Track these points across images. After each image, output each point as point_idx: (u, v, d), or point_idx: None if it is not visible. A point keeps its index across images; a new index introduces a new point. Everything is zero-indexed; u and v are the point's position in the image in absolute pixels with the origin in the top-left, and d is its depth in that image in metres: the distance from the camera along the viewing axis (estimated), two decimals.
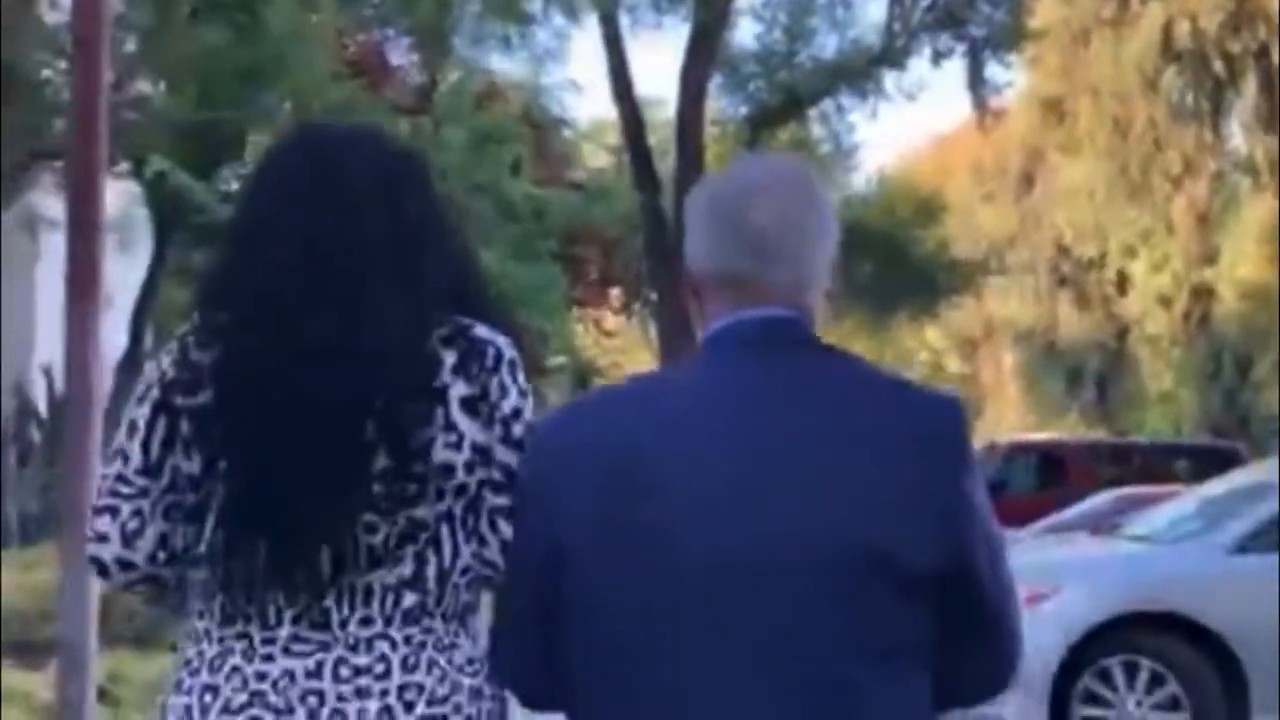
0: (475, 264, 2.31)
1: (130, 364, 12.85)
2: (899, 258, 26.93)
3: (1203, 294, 41.96)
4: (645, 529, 1.83)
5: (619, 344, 28.66)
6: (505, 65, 16.62)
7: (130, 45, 9.88)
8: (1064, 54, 42.28)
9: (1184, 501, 10.03)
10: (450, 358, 2.05)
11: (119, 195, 11.77)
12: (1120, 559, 8.99)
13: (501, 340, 2.11)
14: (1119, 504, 14.44)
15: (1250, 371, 40.63)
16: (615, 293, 23.81)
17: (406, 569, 2.03)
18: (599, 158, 26.68)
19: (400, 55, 10.57)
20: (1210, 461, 19.36)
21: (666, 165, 24.14)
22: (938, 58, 24.76)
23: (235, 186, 8.48)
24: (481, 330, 2.10)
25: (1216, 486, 10.08)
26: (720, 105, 24.60)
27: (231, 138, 8.58)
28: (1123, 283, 44.72)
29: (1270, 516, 8.26)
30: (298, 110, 9.12)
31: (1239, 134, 42.98)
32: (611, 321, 25.89)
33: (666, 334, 24.43)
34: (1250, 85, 41.58)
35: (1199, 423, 40.03)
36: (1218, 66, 41.21)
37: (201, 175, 8.79)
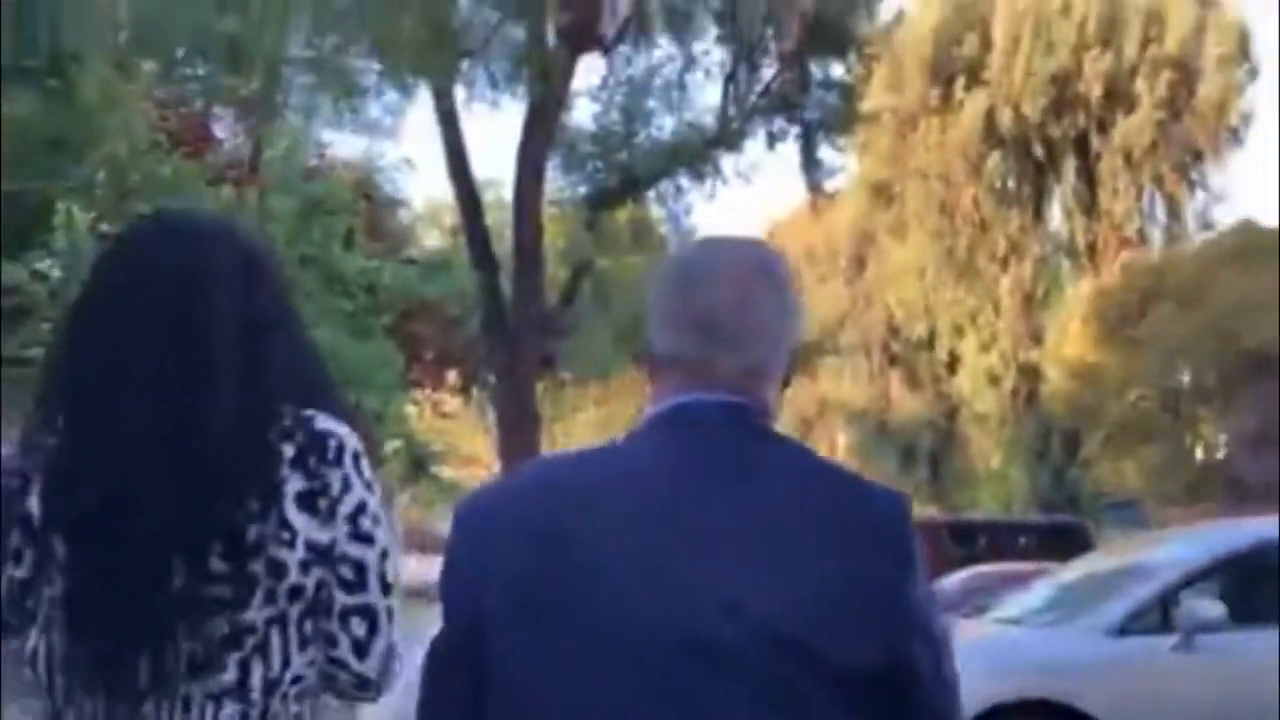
0: (320, 355, 2.26)
1: None
2: None
3: (1030, 373, 42.84)
4: (566, 602, 1.77)
5: (456, 427, 28.01)
6: (338, 140, 16.08)
7: None
8: (892, 139, 43.15)
9: (1052, 581, 9.73)
10: (289, 450, 1.98)
11: None
12: (994, 644, 8.59)
13: (343, 431, 2.03)
14: (975, 584, 14.21)
15: (1078, 449, 41.42)
16: (452, 374, 23.19)
17: (229, 676, 1.95)
18: (434, 237, 26.20)
19: (225, 127, 9.99)
20: (1056, 539, 19.39)
21: (504, 246, 23.76)
22: (772, 140, 24.86)
23: (48, 264, 7.82)
24: (323, 421, 2.02)
25: (1084, 566, 9.84)
26: (558, 185, 24.33)
27: (41, 211, 7.92)
28: (952, 362, 45.45)
29: (1150, 597, 8.01)
30: (113, 181, 8.50)
31: (1059, 217, 44.22)
32: (449, 404, 25.22)
33: (505, 417, 23.93)
34: (1070, 170, 42.84)
35: (1028, 500, 40.60)
36: (1039, 152, 42.42)
37: (10, 252, 8.09)
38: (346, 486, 1.99)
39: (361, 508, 2.00)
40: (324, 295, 9.71)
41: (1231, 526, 10.02)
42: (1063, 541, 19.21)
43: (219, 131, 10.30)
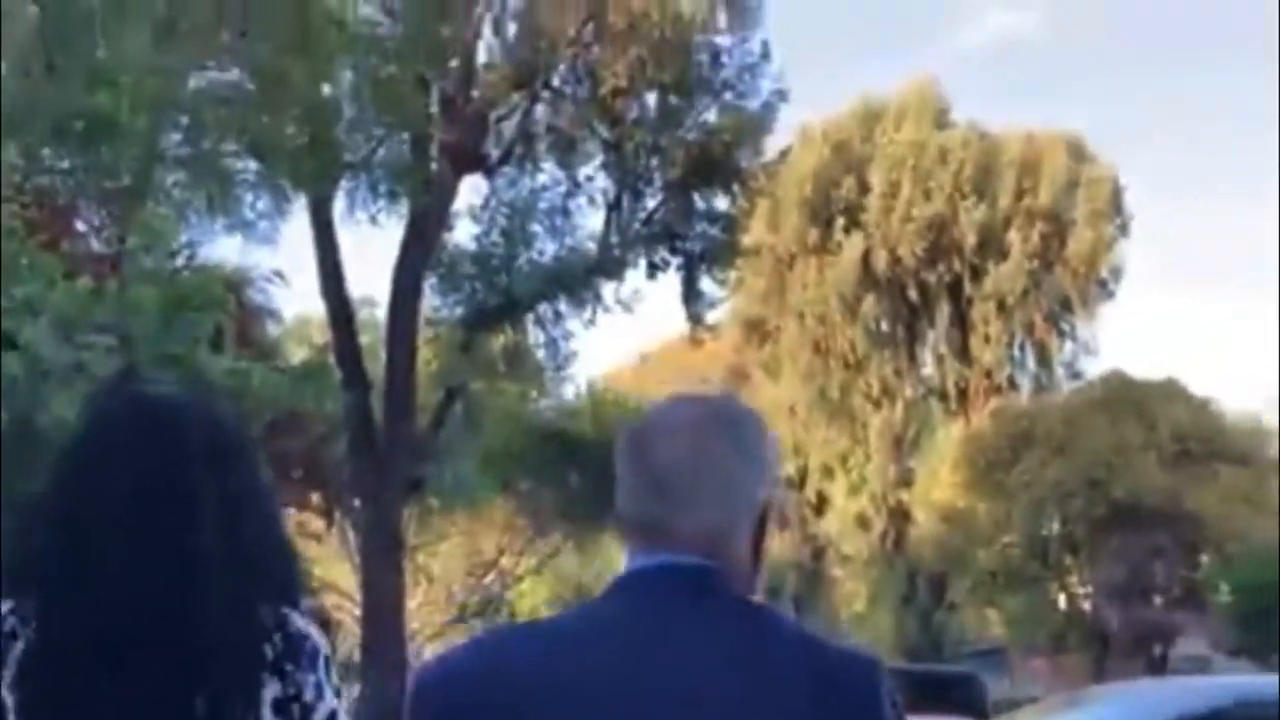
0: (286, 529, 2.24)
1: None
2: (609, 470, 26.22)
3: (899, 516, 42.90)
4: None
5: (318, 551, 26.98)
6: (208, 240, 15.38)
7: None
8: (769, 277, 43.41)
9: None
10: (268, 653, 1.97)
11: None
12: None
13: (315, 633, 2.03)
14: None
15: (945, 594, 41.44)
16: (317, 494, 22.29)
17: None
18: (303, 353, 25.42)
19: (86, 219, 9.28)
20: (944, 687, 18.91)
21: (377, 367, 23.10)
22: (654, 270, 24.55)
23: None
24: (297, 622, 2.02)
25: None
26: (434, 305, 23.79)
27: None
28: (821, 503, 45.39)
29: None
30: None
31: (931, 361, 44.65)
32: (316, 526, 24.25)
33: (369, 544, 23.07)
34: (943, 315, 43.37)
35: (893, 646, 40.36)
36: (914, 296, 42.91)
37: None
38: (319, 694, 1.99)
39: (332, 716, 2.01)
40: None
41: (1173, 688, 9.54)
42: (953, 690, 18.76)
43: (80, 224, 9.61)
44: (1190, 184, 64.17)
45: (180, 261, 9.42)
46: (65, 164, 9.11)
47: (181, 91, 10.94)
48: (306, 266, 21.89)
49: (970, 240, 41.51)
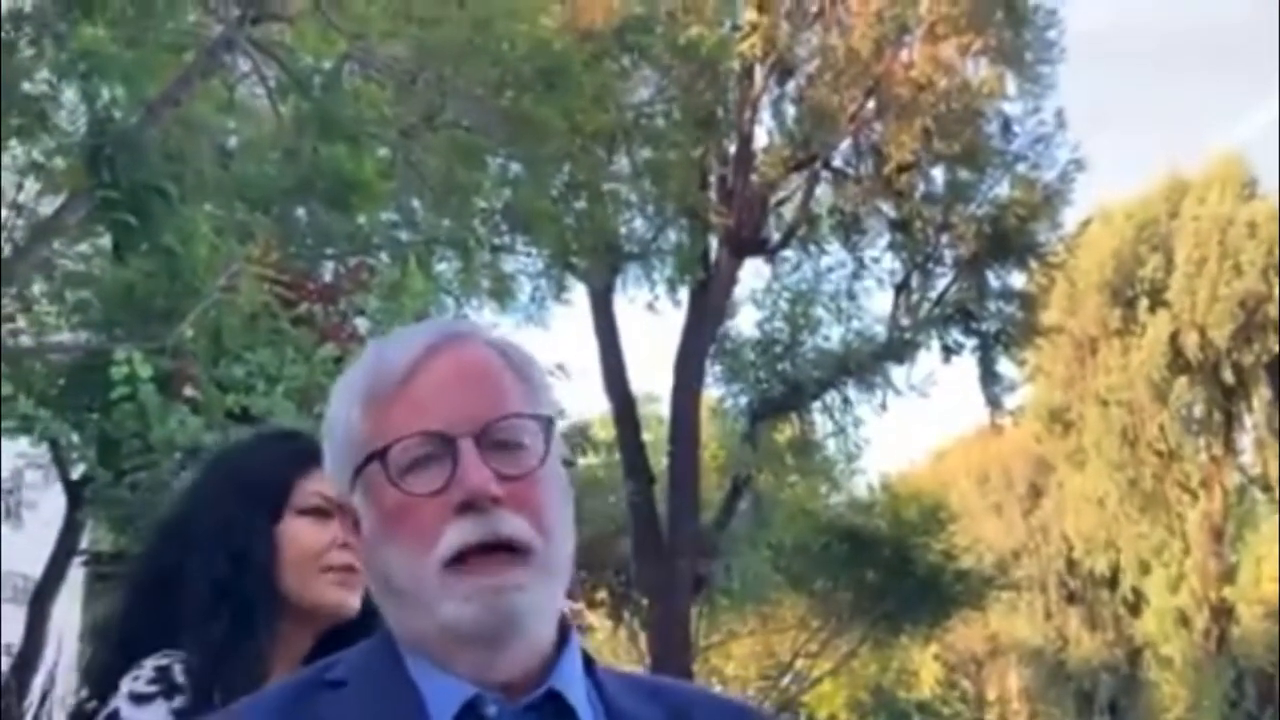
0: None
1: (23, 663, 10.87)
2: (905, 568, 25.15)
3: (1222, 613, 40.34)
4: None
5: (607, 653, 26.44)
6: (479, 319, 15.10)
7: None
8: (1069, 362, 41.68)
9: None
10: None
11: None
12: None
13: None
14: None
15: (1276, 697, 38.83)
16: (601, 591, 21.68)
17: None
18: (586, 456, 25.15)
19: (329, 283, 8.97)
20: None
21: (659, 460, 22.63)
22: (948, 353, 23.42)
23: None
24: None
25: None
26: (718, 395, 23.25)
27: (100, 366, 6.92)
28: (1136, 601, 43.14)
29: None
30: (209, 346, 7.46)
31: (1251, 447, 42.05)
32: (593, 620, 23.70)
33: (656, 645, 22.43)
34: (1261, 397, 40.78)
35: None
36: (1228, 378, 40.47)
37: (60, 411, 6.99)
38: None
39: None
40: None
41: None
42: None
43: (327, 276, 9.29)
44: None
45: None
46: (308, 225, 8.86)
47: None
48: (586, 363, 21.62)
49: None
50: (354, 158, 7.73)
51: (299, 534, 1.99)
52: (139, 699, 1.86)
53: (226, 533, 1.97)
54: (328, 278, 9.20)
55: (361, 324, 9.28)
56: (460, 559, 1.35)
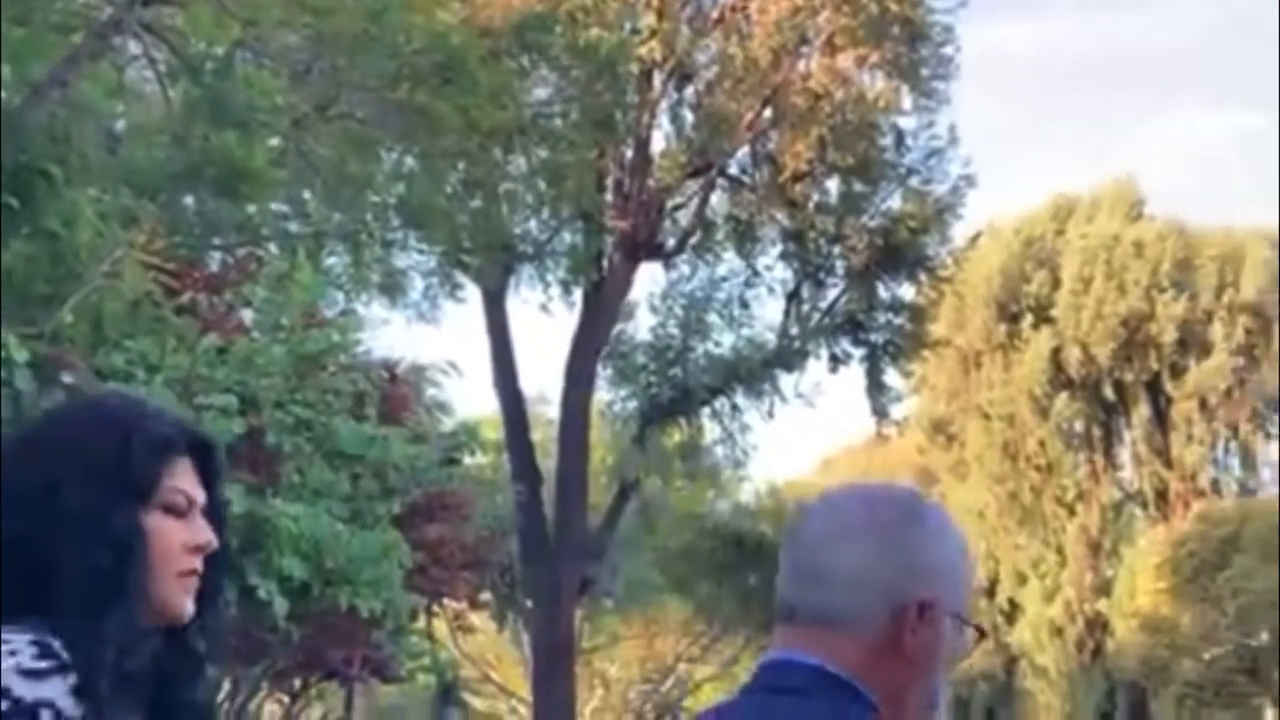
0: None
1: None
2: None
3: (1096, 625, 41.00)
4: None
5: (491, 654, 26.34)
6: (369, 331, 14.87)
7: None
8: (954, 375, 42.11)
9: None
10: None
11: None
12: None
13: None
14: None
15: (1146, 709, 39.59)
16: (478, 588, 21.50)
17: None
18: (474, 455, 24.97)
19: (214, 272, 8.77)
20: None
21: (548, 462, 22.56)
22: (836, 363, 23.60)
23: None
24: None
25: None
26: (608, 399, 23.20)
27: None
28: (1013, 611, 43.72)
29: None
30: (88, 332, 7.29)
31: (1130, 463, 42.79)
32: (476, 621, 23.50)
33: (540, 647, 22.34)
34: (1141, 414, 41.51)
35: None
36: (1109, 394, 41.15)
37: None
38: None
39: None
40: (319, 470, 8.33)
41: None
42: None
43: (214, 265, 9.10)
44: None
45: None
46: (196, 213, 8.69)
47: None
48: (476, 362, 21.49)
49: (1169, 336, 39.74)
50: (244, 145, 7.60)
51: (163, 532, 1.95)
52: (32, 674, 1.80)
53: (103, 521, 1.90)
54: (215, 267, 9.04)
55: (249, 315, 9.14)
56: None
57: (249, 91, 8.28)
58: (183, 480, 1.95)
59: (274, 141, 9.90)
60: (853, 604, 1.68)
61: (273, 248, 9.96)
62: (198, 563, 1.94)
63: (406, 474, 8.89)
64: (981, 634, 1.72)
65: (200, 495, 1.96)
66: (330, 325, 8.62)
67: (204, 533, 1.93)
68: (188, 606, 1.95)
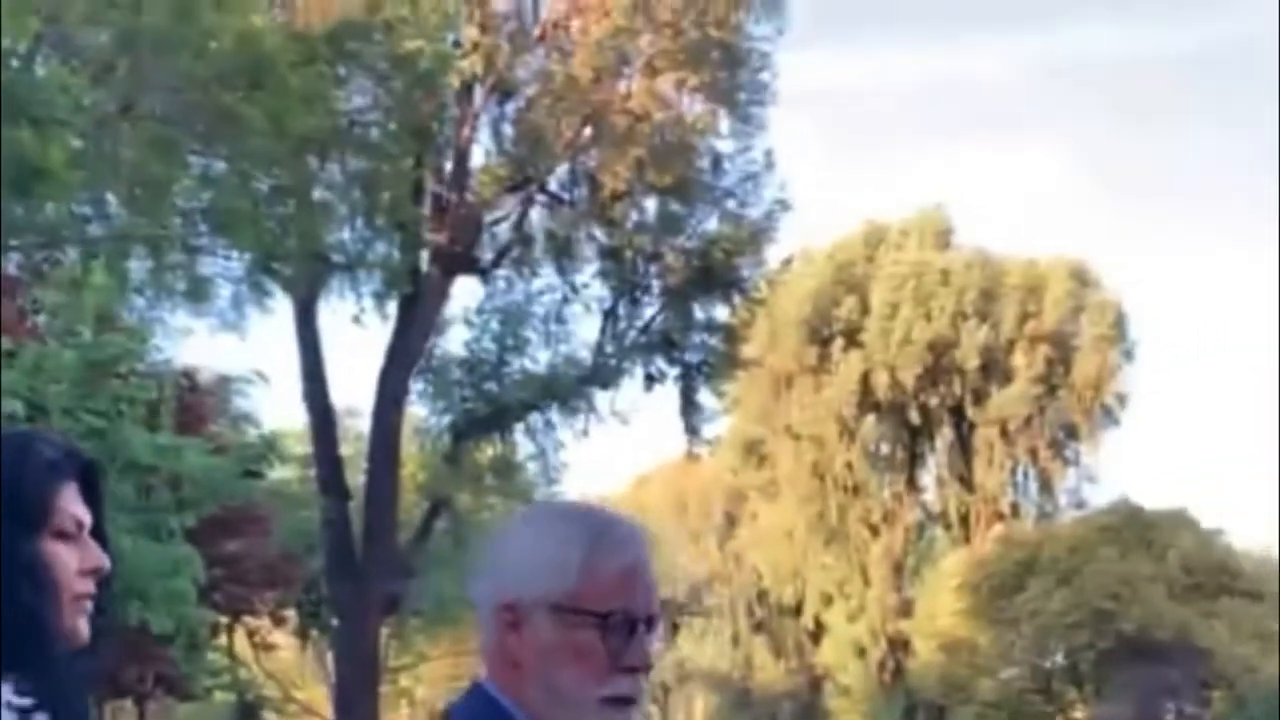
0: None
1: None
2: None
3: (898, 645, 41.67)
4: None
5: (294, 672, 25.74)
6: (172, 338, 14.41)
7: None
8: (766, 397, 42.52)
9: None
10: None
11: None
12: None
13: None
14: None
15: None
16: (277, 602, 20.98)
17: None
18: (279, 469, 24.45)
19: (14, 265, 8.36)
20: None
21: (356, 476, 22.19)
22: (650, 381, 23.69)
23: None
24: None
25: None
26: (422, 414, 22.91)
27: None
28: (818, 631, 44.26)
29: None
30: None
31: (933, 486, 43.67)
32: (279, 638, 22.96)
33: (343, 666, 21.94)
34: (945, 438, 42.44)
35: None
36: (914, 418, 41.98)
37: None
38: None
39: None
40: (110, 483, 8.03)
41: None
42: None
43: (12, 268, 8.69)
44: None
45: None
46: None
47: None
48: (284, 371, 21.05)
49: (973, 363, 40.71)
50: (40, 144, 7.28)
51: (57, 557, 1.89)
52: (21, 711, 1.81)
53: (13, 553, 1.86)
54: (12, 269, 8.63)
55: (44, 320, 8.76)
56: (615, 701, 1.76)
57: (48, 88, 7.96)
58: (73, 504, 1.92)
59: (76, 142, 9.53)
60: (480, 621, 1.81)
61: (71, 251, 9.59)
62: (91, 585, 1.92)
63: (203, 486, 8.58)
64: (604, 618, 1.73)
65: (88, 518, 1.92)
66: (124, 331, 8.28)
67: (96, 555, 1.89)
68: (84, 631, 1.91)
